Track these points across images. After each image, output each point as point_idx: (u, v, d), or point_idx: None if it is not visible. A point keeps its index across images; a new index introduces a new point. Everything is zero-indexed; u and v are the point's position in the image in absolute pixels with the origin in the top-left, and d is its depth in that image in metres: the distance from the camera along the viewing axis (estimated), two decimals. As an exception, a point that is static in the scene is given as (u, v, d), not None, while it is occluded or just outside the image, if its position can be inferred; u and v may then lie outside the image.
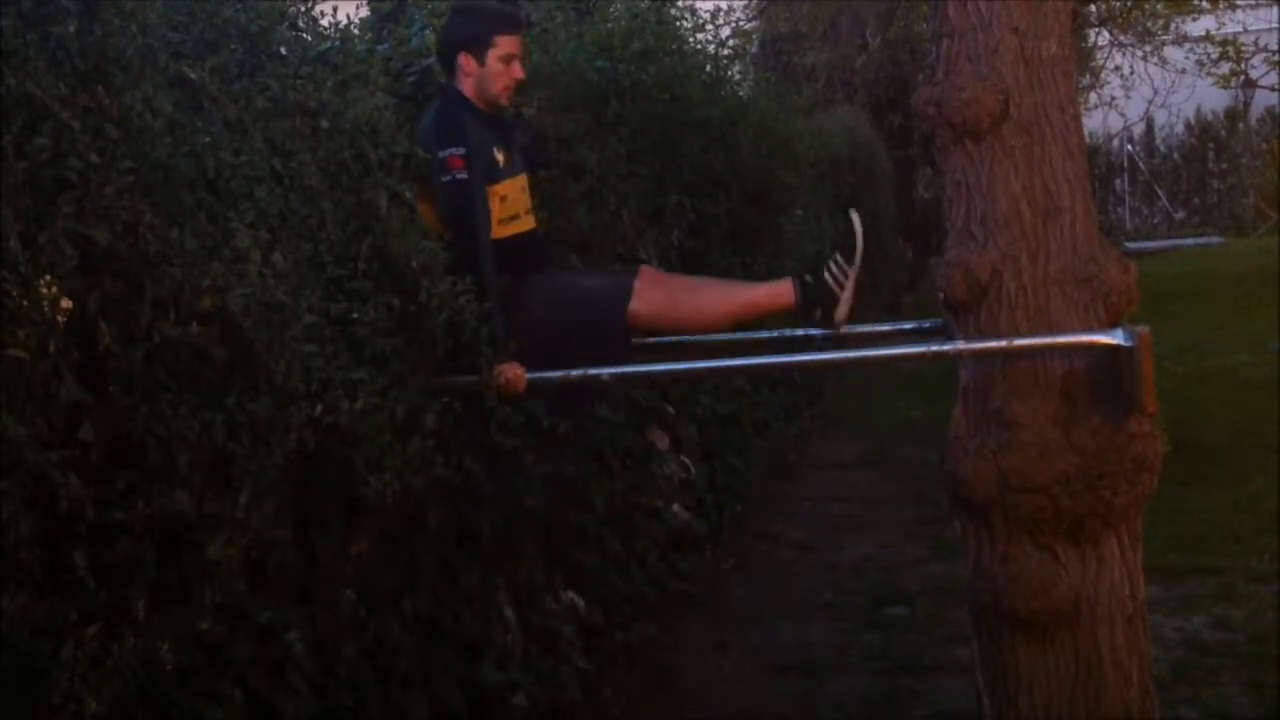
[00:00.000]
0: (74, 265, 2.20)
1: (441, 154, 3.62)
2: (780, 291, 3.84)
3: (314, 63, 3.14)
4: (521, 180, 3.92)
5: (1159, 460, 3.14)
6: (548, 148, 4.34)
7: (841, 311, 3.77)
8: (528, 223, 3.91)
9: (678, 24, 5.98)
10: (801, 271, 3.83)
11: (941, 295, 3.28)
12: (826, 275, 3.76)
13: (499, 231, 3.76)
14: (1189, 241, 19.01)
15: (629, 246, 5.17)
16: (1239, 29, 15.08)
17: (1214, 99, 19.59)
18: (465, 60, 3.81)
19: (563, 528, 4.35)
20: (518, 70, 3.87)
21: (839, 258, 3.77)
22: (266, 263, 2.63)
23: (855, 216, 3.79)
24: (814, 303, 3.77)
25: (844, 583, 5.60)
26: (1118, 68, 15.49)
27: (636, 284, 3.81)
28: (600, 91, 4.88)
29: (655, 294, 3.83)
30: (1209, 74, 15.46)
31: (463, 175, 3.63)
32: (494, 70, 3.81)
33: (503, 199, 3.79)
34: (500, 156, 3.81)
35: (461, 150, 3.64)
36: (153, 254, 2.35)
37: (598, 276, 3.93)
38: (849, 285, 3.76)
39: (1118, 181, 22.12)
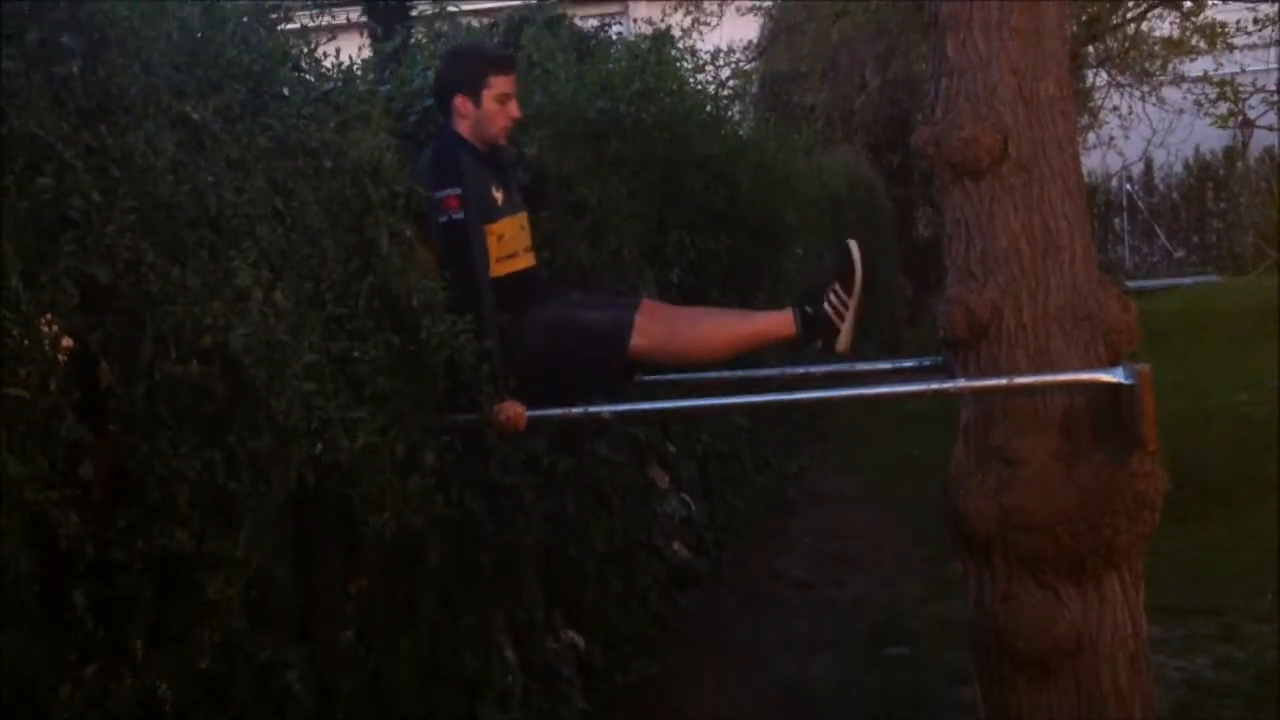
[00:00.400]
0: (75, 303, 2.21)
1: (438, 195, 3.63)
2: (781, 321, 3.85)
3: (316, 103, 3.16)
4: (520, 219, 3.92)
5: (1160, 498, 3.13)
6: (548, 187, 4.36)
7: (842, 341, 3.77)
8: (526, 260, 3.91)
9: (678, 64, 6.01)
10: (803, 301, 3.83)
11: (942, 333, 3.29)
12: (826, 306, 3.77)
13: (497, 270, 3.76)
14: (1188, 280, 19.05)
15: (630, 284, 5.18)
16: (1237, 70, 15.15)
17: (1212, 139, 19.66)
18: (461, 102, 3.83)
19: (563, 565, 4.34)
20: (514, 109, 3.88)
21: (838, 288, 3.78)
22: (268, 301, 2.63)
23: (854, 246, 3.80)
24: (815, 333, 3.78)
25: (845, 621, 5.57)
26: (1116, 108, 15.58)
27: (637, 318, 3.82)
28: (601, 131, 4.90)
29: (656, 327, 3.83)
30: (1207, 114, 15.54)
31: (459, 215, 3.64)
32: (490, 110, 3.83)
33: (500, 237, 3.79)
34: (499, 195, 3.82)
35: (457, 190, 3.65)
36: (154, 292, 2.36)
37: (598, 310, 3.92)
38: (849, 315, 3.77)
39: (1117, 220, 22.16)
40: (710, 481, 6.23)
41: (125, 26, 2.44)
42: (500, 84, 3.85)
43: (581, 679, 4.28)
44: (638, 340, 3.79)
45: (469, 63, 3.91)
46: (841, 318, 3.77)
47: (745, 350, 3.99)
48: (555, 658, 4.12)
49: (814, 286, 3.81)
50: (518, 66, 4.12)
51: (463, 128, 3.84)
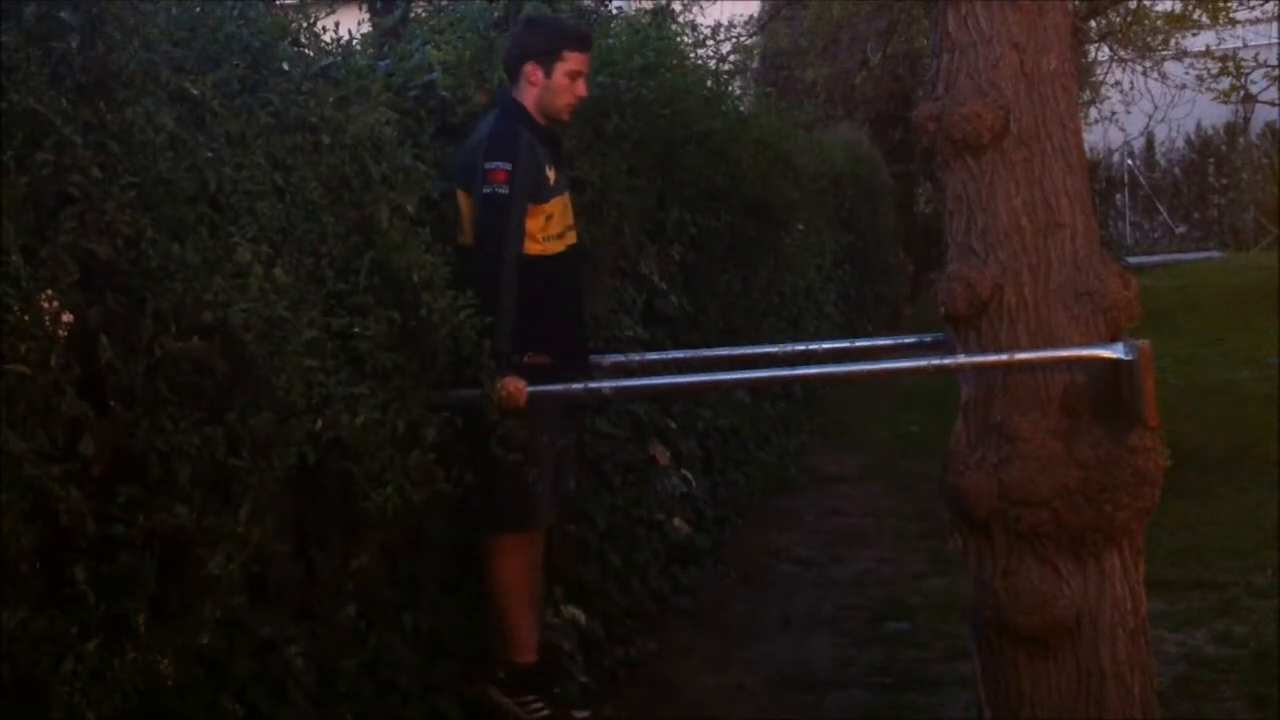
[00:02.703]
0: (75, 280, 2.21)
1: (487, 165, 3.63)
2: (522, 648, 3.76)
3: (316, 78, 3.15)
4: (567, 197, 3.92)
5: (1160, 474, 3.14)
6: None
7: None
8: (570, 238, 3.92)
9: (678, 40, 5.99)
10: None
11: (942, 309, 3.29)
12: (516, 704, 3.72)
13: (545, 248, 3.76)
14: (1189, 256, 19.04)
15: (630, 261, 5.18)
16: (1239, 44, 15.12)
17: (1214, 114, 19.62)
18: (532, 70, 3.80)
19: (564, 542, 4.34)
20: (582, 88, 3.87)
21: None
22: (268, 277, 2.63)
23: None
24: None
25: (845, 597, 5.58)
26: (1118, 83, 15.53)
27: (510, 539, 3.72)
28: (601, 106, 4.89)
29: (515, 560, 3.73)
30: (1209, 89, 15.51)
31: (504, 190, 3.63)
32: (559, 84, 3.81)
33: (549, 217, 3.78)
34: (551, 174, 3.80)
35: (508, 166, 3.64)
36: (154, 269, 2.36)
37: (551, 474, 3.77)
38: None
39: (1118, 196, 22.13)
40: (711, 458, 6.24)
41: (124, 1, 2.43)
42: (575, 60, 3.83)
43: (582, 654, 4.29)
44: (504, 543, 3.71)
45: (547, 33, 3.90)
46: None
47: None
48: (556, 633, 4.13)
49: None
50: (595, 47, 4.09)
51: (528, 97, 3.82)
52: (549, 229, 3.79)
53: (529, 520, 3.74)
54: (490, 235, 3.64)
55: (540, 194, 3.75)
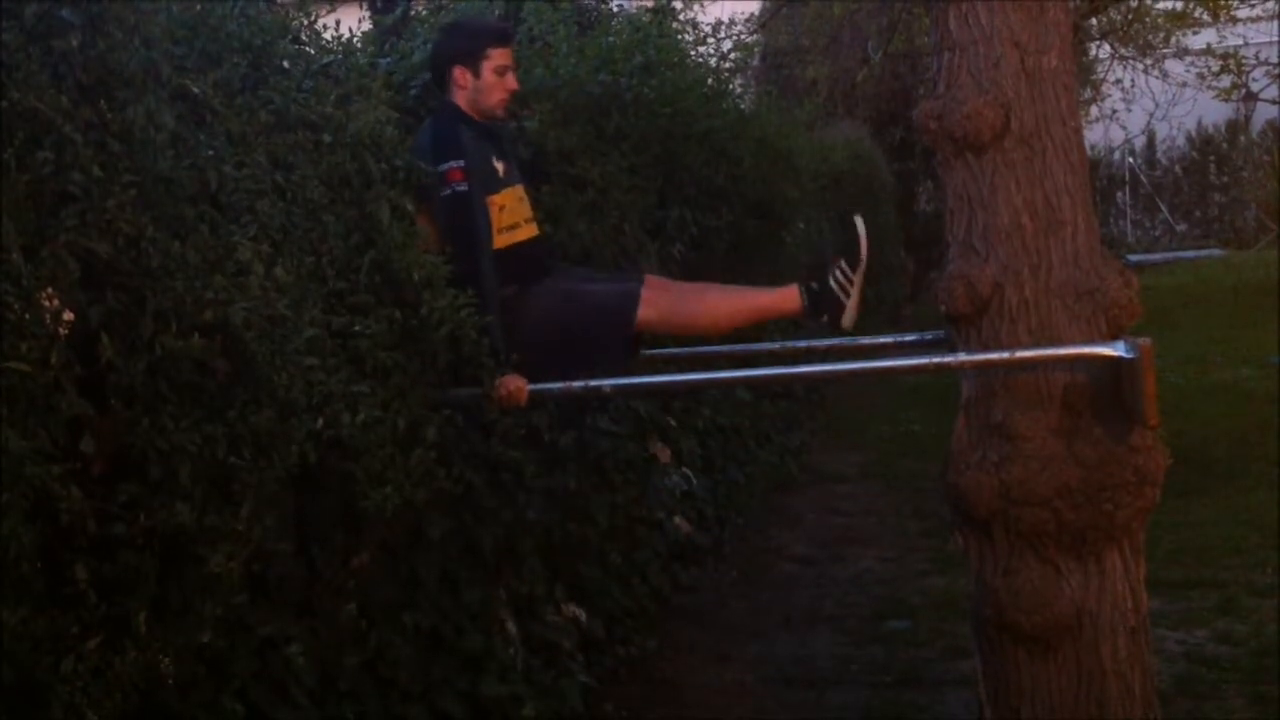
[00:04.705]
0: (76, 278, 2.21)
1: (441, 168, 3.63)
2: (787, 296, 3.86)
3: (316, 76, 3.16)
4: (519, 190, 3.92)
5: (1161, 473, 3.14)
6: (547, 161, 4.35)
7: (848, 318, 3.79)
8: (529, 230, 3.91)
9: (679, 38, 5.99)
10: (808, 276, 3.83)
11: (943, 308, 3.28)
12: (832, 281, 3.78)
13: (500, 241, 3.76)
14: (1190, 254, 19.01)
15: (631, 260, 5.17)
16: (1240, 42, 15.12)
17: (1215, 112, 19.62)
18: (460, 74, 3.82)
19: (564, 540, 4.34)
20: (512, 81, 3.89)
21: (844, 264, 3.78)
22: (268, 276, 2.63)
23: (860, 221, 3.81)
24: (820, 309, 3.79)
25: (845, 596, 5.58)
26: (1119, 81, 15.53)
27: (644, 291, 3.82)
28: (602, 105, 4.89)
29: (662, 299, 3.83)
30: (1210, 87, 15.52)
31: (463, 188, 3.64)
32: (489, 82, 3.83)
33: (501, 208, 3.80)
34: (499, 166, 3.83)
35: (460, 163, 3.66)
36: (155, 267, 2.36)
37: (604, 283, 3.93)
38: (854, 291, 3.79)
39: (1119, 194, 22.13)
40: (712, 457, 6.24)
41: (124, 0, 2.43)
42: (499, 56, 3.84)
43: (583, 653, 4.29)
44: (644, 311, 3.80)
45: (467, 34, 3.91)
46: (847, 293, 3.78)
47: (749, 323, 4.00)
48: (557, 632, 4.13)
49: (819, 262, 3.81)
50: (515, 39, 4.11)
51: (461, 99, 3.83)
52: (502, 220, 3.80)
53: (629, 300, 3.83)
54: (461, 235, 3.64)
55: (490, 185, 3.77)
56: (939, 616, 5.11)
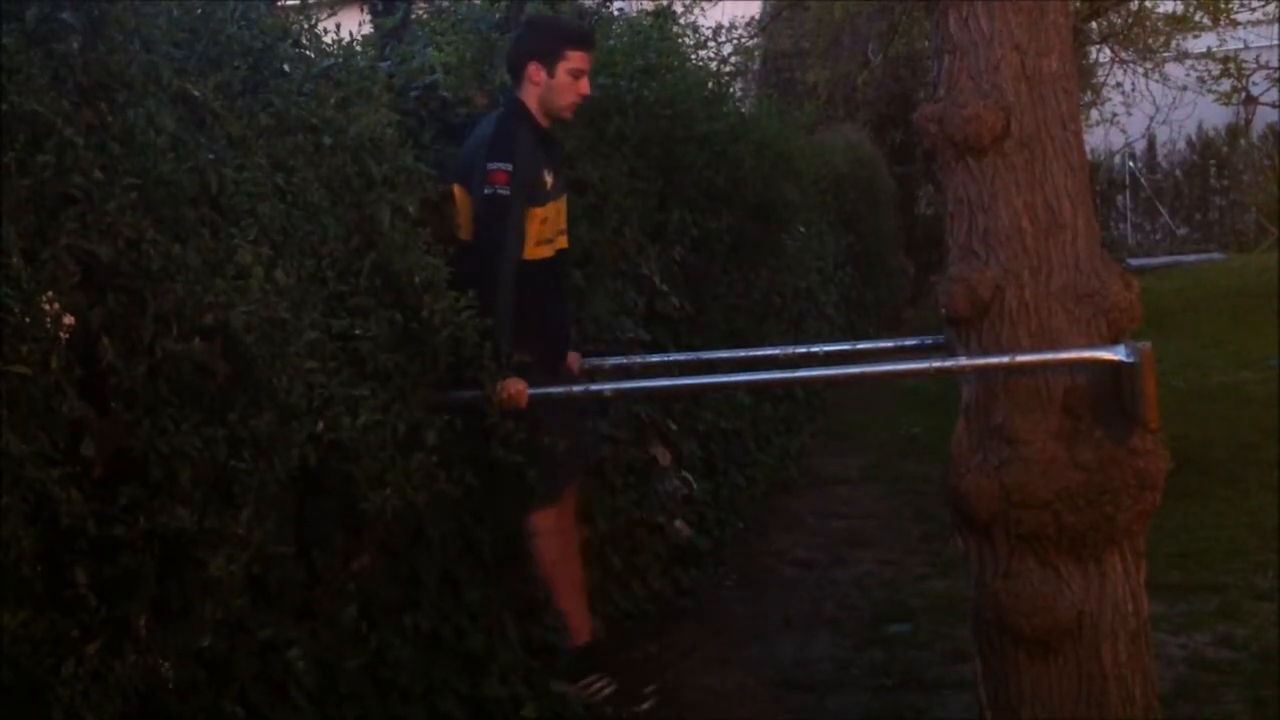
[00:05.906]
0: (76, 281, 2.21)
1: (490, 165, 3.65)
2: (579, 631, 3.99)
3: (317, 79, 3.15)
4: (563, 202, 3.94)
5: (1162, 476, 3.14)
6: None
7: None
8: (560, 243, 3.94)
9: (680, 41, 5.99)
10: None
11: (943, 311, 3.29)
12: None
13: (535, 252, 3.77)
14: (1190, 258, 19.02)
15: (631, 262, 5.18)
16: (1240, 46, 15.13)
17: (1215, 115, 19.63)
18: (535, 70, 3.82)
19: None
20: (585, 86, 3.89)
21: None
22: (269, 279, 2.63)
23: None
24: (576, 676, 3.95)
25: (846, 598, 5.57)
26: (1119, 84, 15.56)
27: (541, 521, 3.86)
28: (603, 108, 4.89)
29: (553, 540, 3.89)
30: (1210, 91, 15.54)
31: (504, 191, 3.65)
32: (562, 83, 3.83)
33: (543, 221, 3.80)
34: (549, 178, 3.83)
35: (509, 167, 3.66)
36: (155, 270, 2.36)
37: (580, 439, 3.95)
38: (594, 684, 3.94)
39: (1119, 198, 22.13)
40: (712, 460, 6.24)
41: (125, 3, 2.43)
42: (576, 59, 3.85)
43: (583, 655, 4.29)
44: (543, 518, 3.85)
45: (549, 32, 3.93)
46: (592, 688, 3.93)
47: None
48: (557, 633, 4.13)
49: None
50: (595, 44, 4.12)
51: (531, 96, 3.84)
52: (542, 233, 3.80)
53: (552, 489, 3.81)
54: (491, 235, 3.65)
55: (537, 197, 3.76)
56: (939, 619, 5.10)
